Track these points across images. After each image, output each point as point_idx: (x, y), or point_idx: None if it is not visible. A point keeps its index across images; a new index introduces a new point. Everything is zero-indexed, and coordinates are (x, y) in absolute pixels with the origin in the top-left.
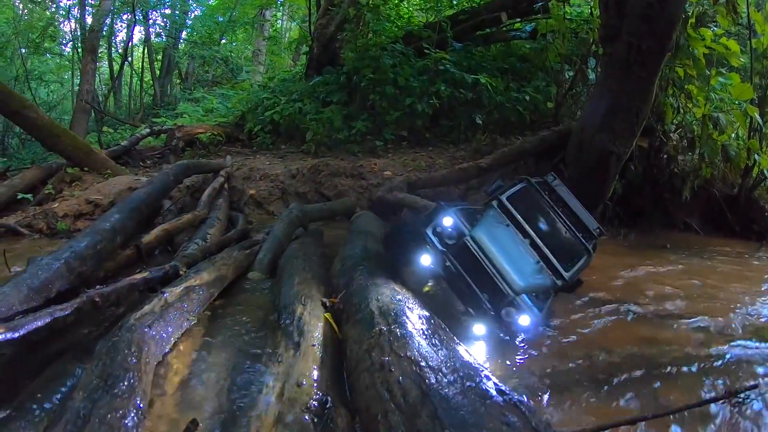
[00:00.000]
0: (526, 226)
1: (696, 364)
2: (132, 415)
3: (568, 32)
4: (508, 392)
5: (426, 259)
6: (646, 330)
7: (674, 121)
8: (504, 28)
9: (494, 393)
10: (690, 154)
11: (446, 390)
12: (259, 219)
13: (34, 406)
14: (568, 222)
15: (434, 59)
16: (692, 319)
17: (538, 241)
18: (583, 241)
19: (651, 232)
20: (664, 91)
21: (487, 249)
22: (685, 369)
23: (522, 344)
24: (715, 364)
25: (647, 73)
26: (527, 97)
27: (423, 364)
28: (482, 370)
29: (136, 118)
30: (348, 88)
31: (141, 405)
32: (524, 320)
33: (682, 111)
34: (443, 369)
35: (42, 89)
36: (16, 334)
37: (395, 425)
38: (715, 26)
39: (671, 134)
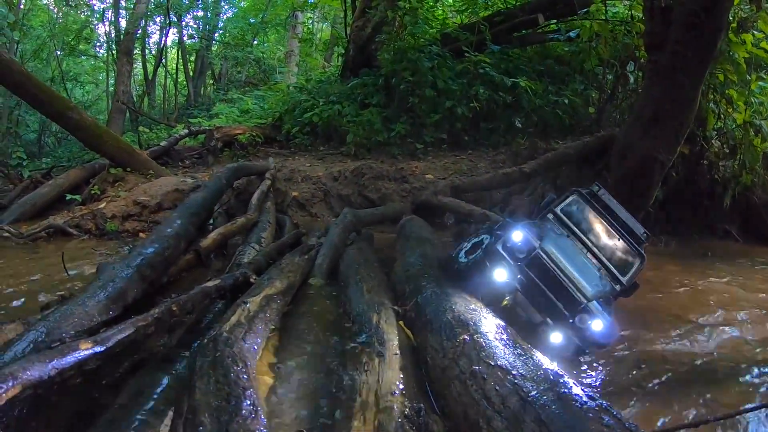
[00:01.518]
0: (583, 236)
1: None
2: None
3: (611, 36)
4: (597, 398)
5: (501, 274)
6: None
7: (715, 127)
8: (540, 30)
9: (586, 399)
10: (731, 160)
11: (544, 397)
12: (302, 221)
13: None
14: (619, 229)
15: (473, 62)
16: None
17: (596, 249)
18: (636, 246)
19: (691, 239)
20: (704, 96)
21: (557, 260)
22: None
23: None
24: None
25: (691, 80)
26: (566, 101)
27: (515, 372)
28: (568, 378)
29: (171, 118)
30: (386, 91)
31: (265, 421)
32: (597, 325)
33: (722, 117)
34: (534, 377)
35: (77, 90)
36: (104, 348)
37: (498, 430)
38: (756, 31)
39: (712, 140)
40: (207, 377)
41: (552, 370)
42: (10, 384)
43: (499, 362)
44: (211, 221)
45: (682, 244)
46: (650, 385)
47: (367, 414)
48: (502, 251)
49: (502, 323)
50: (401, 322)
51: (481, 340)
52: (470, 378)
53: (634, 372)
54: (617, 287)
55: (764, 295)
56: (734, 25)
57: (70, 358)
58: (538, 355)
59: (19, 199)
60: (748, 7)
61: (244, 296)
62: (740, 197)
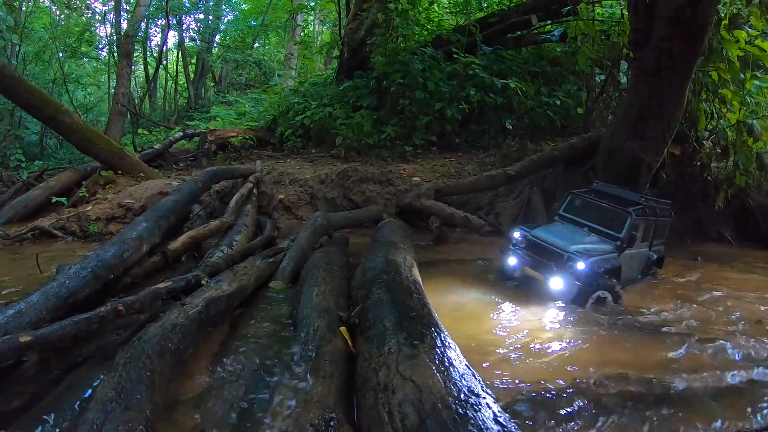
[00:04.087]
0: (579, 219)
1: None
2: (141, 428)
3: (598, 35)
4: (506, 423)
5: (512, 260)
6: None
7: (708, 127)
8: (534, 31)
9: (491, 423)
10: (724, 161)
11: (443, 416)
12: (288, 224)
13: (53, 416)
14: (611, 203)
15: (464, 63)
16: None
17: (590, 224)
18: (623, 208)
19: (683, 243)
20: (697, 96)
21: (544, 238)
22: None
23: None
24: None
25: (679, 77)
26: (558, 102)
27: (425, 388)
28: (485, 397)
29: (171, 120)
30: (378, 93)
31: (151, 417)
32: (580, 265)
33: (716, 116)
34: (444, 394)
35: (79, 92)
36: (42, 340)
37: None
38: (750, 28)
39: (704, 141)
40: (115, 372)
41: (468, 388)
42: None
43: (413, 377)
44: (190, 223)
45: (674, 247)
46: None
47: (275, 420)
48: (510, 246)
49: (444, 333)
50: (343, 328)
51: (407, 351)
52: (382, 390)
53: None
54: (617, 242)
55: None
56: (726, 22)
57: (10, 347)
58: (466, 373)
59: (11, 201)
60: (740, 1)
61: (186, 298)
62: (734, 199)
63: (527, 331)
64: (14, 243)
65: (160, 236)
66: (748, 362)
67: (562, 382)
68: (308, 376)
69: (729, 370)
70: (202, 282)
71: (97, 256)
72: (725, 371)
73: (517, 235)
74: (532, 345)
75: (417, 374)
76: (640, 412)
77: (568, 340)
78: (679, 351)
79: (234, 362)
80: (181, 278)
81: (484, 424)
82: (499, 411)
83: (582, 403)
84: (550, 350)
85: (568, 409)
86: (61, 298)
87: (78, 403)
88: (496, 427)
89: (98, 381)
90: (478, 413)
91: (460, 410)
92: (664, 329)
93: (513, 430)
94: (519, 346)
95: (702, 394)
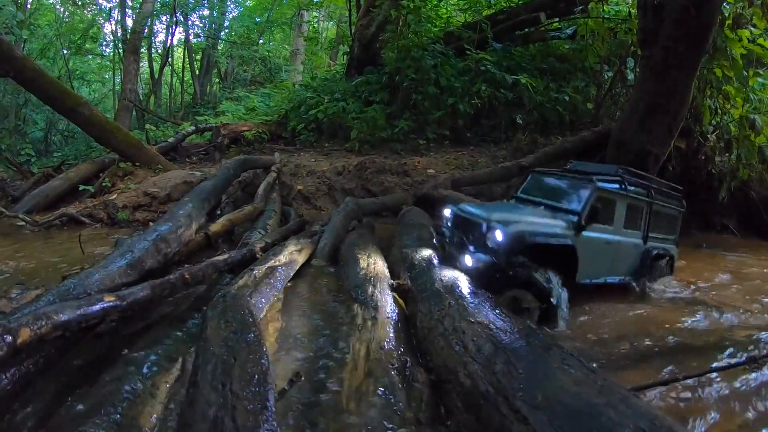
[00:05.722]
0: (537, 199)
1: None
2: (264, 360)
3: (607, 33)
4: (563, 346)
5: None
6: None
7: (712, 122)
8: (543, 28)
9: (553, 345)
10: (727, 155)
11: (514, 343)
12: (307, 214)
13: (153, 357)
14: (573, 179)
15: (475, 59)
16: None
17: (547, 201)
18: (585, 180)
19: (689, 233)
20: (701, 92)
21: (468, 211)
22: None
23: None
24: None
25: (684, 75)
26: (566, 98)
27: (491, 326)
28: (541, 332)
29: (177, 116)
30: (390, 88)
31: (266, 350)
32: (498, 234)
33: (720, 112)
34: (509, 329)
35: (84, 88)
36: (124, 303)
37: (473, 372)
38: (753, 27)
39: (709, 135)
40: (217, 320)
41: (526, 324)
42: (42, 323)
43: (478, 319)
44: (219, 211)
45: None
46: None
47: (358, 363)
48: (444, 224)
49: (485, 291)
50: (395, 294)
51: (464, 302)
52: (452, 333)
53: None
54: (573, 217)
55: None
56: (729, 21)
57: (96, 307)
58: (512, 316)
59: (31, 191)
60: (743, 2)
61: (252, 265)
62: (738, 192)
63: None
64: (42, 229)
65: (203, 217)
66: None
67: None
68: (377, 329)
69: None
70: (258, 255)
71: (154, 230)
72: None
73: (447, 212)
74: None
75: (481, 317)
76: None
77: None
78: None
79: (302, 319)
80: (237, 252)
81: (548, 345)
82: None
83: None
84: None
85: None
86: (130, 265)
87: (163, 354)
88: (558, 349)
89: (174, 338)
90: (540, 339)
91: (526, 338)
92: None
93: (571, 351)
94: None
95: None
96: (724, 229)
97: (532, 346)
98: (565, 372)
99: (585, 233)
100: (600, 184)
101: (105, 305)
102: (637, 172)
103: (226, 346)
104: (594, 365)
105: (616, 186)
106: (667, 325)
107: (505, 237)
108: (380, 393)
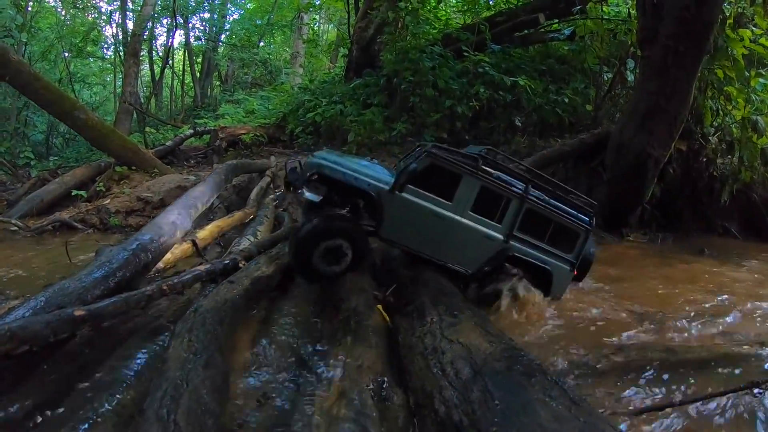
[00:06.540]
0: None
1: None
2: (222, 383)
3: (606, 34)
4: (549, 372)
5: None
6: None
7: (713, 123)
8: (542, 30)
9: (537, 372)
10: (729, 157)
11: (494, 368)
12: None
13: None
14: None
15: (473, 61)
16: None
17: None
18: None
19: (688, 236)
20: (703, 93)
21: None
22: None
23: None
24: None
25: (685, 75)
26: (566, 99)
27: (472, 348)
28: (527, 355)
29: (178, 119)
30: (388, 90)
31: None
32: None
33: (721, 113)
34: (493, 352)
35: (85, 91)
36: (95, 314)
37: (448, 398)
38: (754, 26)
39: (710, 137)
40: (182, 338)
41: (512, 345)
42: (7, 337)
43: (460, 339)
44: (212, 215)
45: (680, 240)
46: None
47: (334, 383)
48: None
49: (475, 308)
50: (379, 306)
51: (448, 320)
52: (431, 353)
53: None
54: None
55: None
56: (731, 20)
57: (65, 321)
58: (500, 334)
59: (26, 195)
60: (744, 1)
61: (231, 276)
62: (740, 194)
63: None
64: (34, 235)
65: (191, 224)
66: None
67: None
68: (356, 346)
69: None
70: (240, 264)
71: (135, 239)
72: None
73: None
74: None
75: (463, 337)
76: None
77: None
78: None
79: (281, 334)
80: (219, 261)
81: (531, 372)
82: (538, 363)
83: None
84: None
85: None
86: (106, 276)
87: (138, 366)
88: (542, 375)
89: (152, 350)
90: (524, 364)
91: (508, 362)
92: None
93: (556, 379)
94: None
95: None
96: (726, 232)
97: (514, 372)
98: (546, 405)
99: (402, 194)
100: (440, 154)
101: (75, 319)
102: (536, 171)
103: (183, 368)
104: (579, 396)
105: (470, 164)
106: None
107: (308, 165)
108: (353, 417)
